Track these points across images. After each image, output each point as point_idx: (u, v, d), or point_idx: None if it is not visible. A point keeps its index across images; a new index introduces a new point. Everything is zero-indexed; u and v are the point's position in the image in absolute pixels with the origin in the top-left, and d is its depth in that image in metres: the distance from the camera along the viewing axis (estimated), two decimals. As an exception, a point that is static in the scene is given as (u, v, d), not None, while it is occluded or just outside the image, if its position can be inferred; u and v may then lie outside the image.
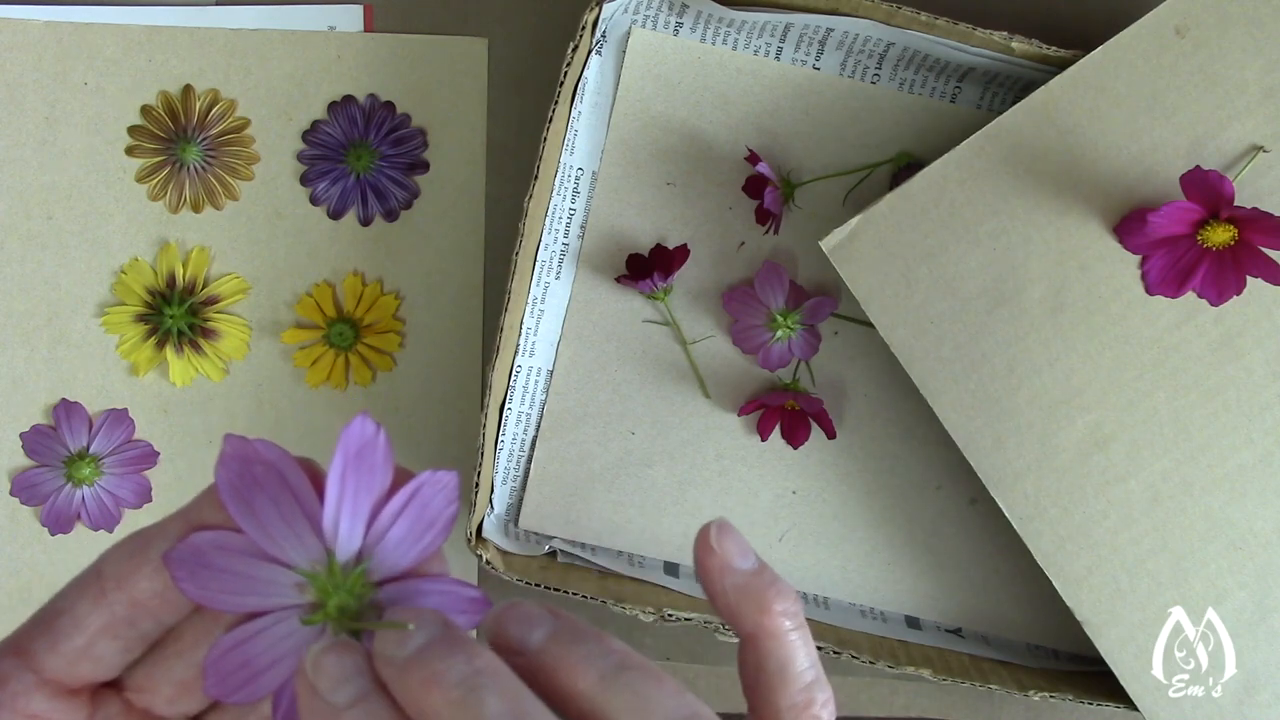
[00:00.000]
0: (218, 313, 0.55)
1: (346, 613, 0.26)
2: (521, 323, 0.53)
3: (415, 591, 0.27)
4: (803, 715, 0.28)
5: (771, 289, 0.52)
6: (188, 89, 0.55)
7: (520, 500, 0.55)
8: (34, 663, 0.26)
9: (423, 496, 0.27)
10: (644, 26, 0.52)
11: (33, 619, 0.26)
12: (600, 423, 0.54)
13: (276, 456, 0.25)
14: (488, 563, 0.49)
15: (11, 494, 0.56)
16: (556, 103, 0.48)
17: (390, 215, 0.55)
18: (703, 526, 0.30)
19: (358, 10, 0.55)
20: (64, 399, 0.55)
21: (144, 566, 0.26)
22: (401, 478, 0.27)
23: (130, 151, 0.55)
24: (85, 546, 0.56)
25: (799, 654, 0.29)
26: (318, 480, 0.26)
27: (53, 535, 0.56)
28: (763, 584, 0.29)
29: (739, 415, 0.54)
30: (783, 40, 0.52)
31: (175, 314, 0.55)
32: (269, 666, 0.26)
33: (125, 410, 0.56)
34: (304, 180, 0.55)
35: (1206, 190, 0.43)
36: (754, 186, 0.52)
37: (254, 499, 0.25)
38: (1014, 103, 0.47)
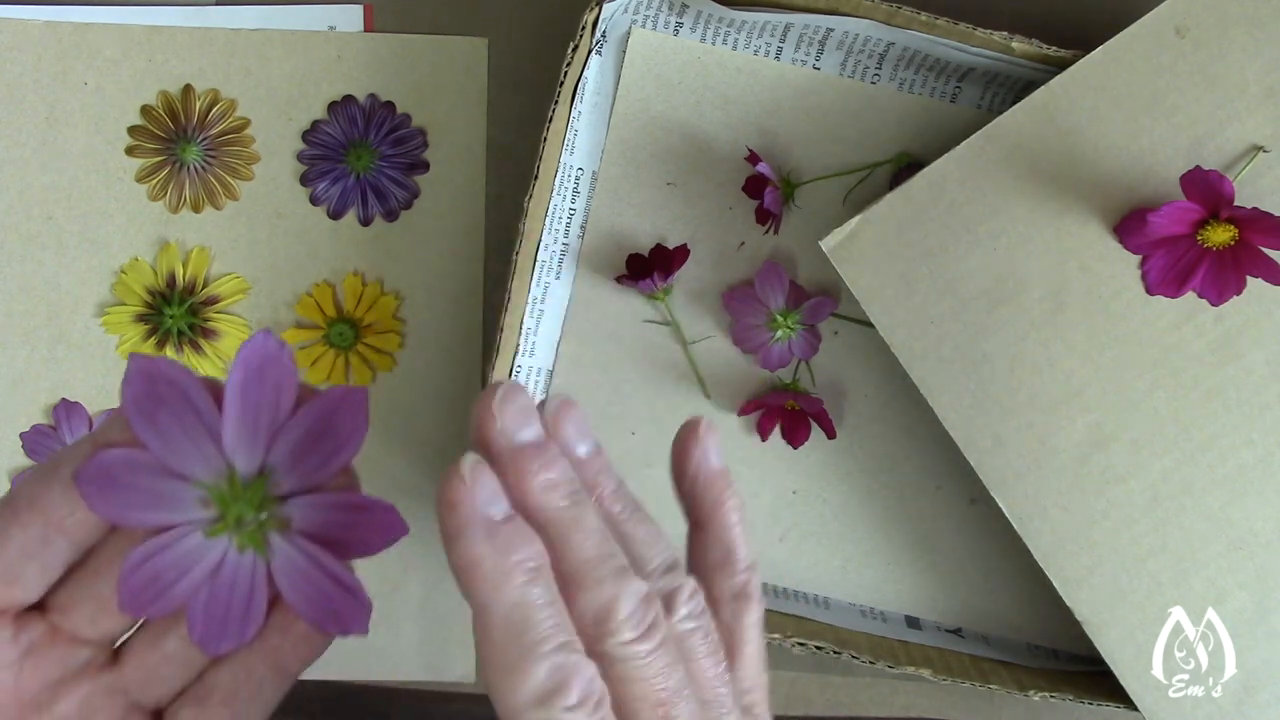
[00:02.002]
0: (218, 313, 0.55)
1: (246, 523, 0.26)
2: (521, 323, 0.53)
3: (321, 505, 0.27)
4: (740, 593, 0.31)
5: (771, 289, 0.52)
6: (188, 89, 0.55)
7: (520, 500, 0.55)
8: None
9: (329, 413, 0.26)
10: (644, 26, 0.52)
11: None
12: (600, 423, 0.54)
13: (180, 374, 0.26)
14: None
15: (11, 494, 0.56)
16: (556, 103, 0.48)
17: (390, 215, 0.55)
18: (694, 419, 0.34)
19: (358, 10, 0.55)
20: (64, 399, 0.55)
21: (55, 486, 0.26)
22: (308, 395, 0.27)
23: (130, 151, 0.55)
24: (85, 546, 0.56)
25: (741, 543, 0.32)
26: (222, 399, 0.26)
27: (53, 535, 0.56)
28: (726, 481, 0.33)
29: (739, 415, 0.54)
30: (783, 40, 0.52)
31: (175, 314, 0.55)
32: (177, 579, 0.26)
33: (125, 410, 0.56)
34: (304, 180, 0.55)
35: (1206, 190, 0.43)
36: (754, 186, 0.52)
37: (158, 415, 0.25)
38: (1014, 103, 0.47)
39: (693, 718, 0.27)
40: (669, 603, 0.28)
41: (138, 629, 0.29)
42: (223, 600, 0.27)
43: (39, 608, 0.28)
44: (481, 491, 0.26)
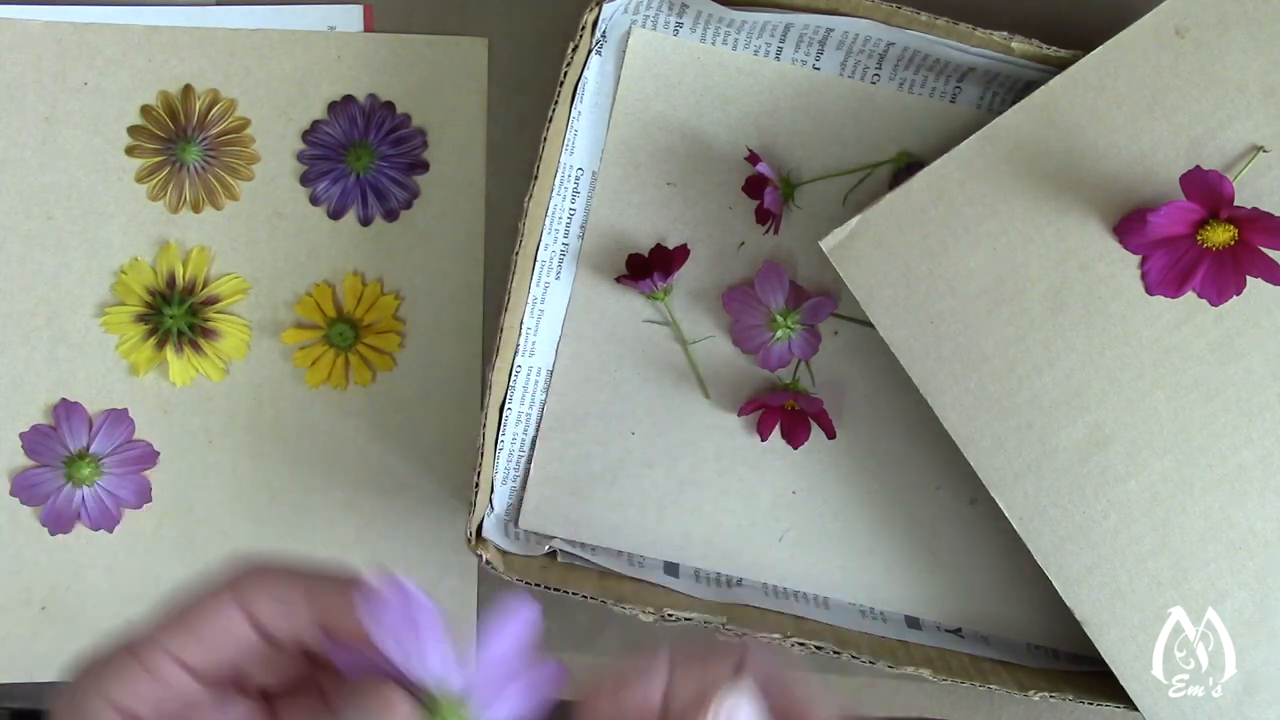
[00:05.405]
0: (218, 313, 0.55)
1: None
2: (521, 323, 0.53)
3: None
4: None
5: (771, 289, 0.52)
6: (188, 89, 0.55)
7: (520, 500, 0.55)
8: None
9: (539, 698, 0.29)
10: (644, 26, 0.52)
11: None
12: (600, 423, 0.54)
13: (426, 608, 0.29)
14: (488, 563, 0.49)
15: (11, 494, 0.56)
16: (556, 103, 0.48)
17: (390, 215, 0.55)
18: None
19: (358, 10, 0.55)
20: (64, 399, 0.55)
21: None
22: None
23: (130, 151, 0.55)
24: (85, 546, 0.56)
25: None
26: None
27: (53, 535, 0.56)
28: None
29: (739, 415, 0.54)
30: (783, 40, 0.52)
31: (175, 314, 0.55)
32: None
33: (125, 410, 0.56)
34: (304, 180, 0.55)
35: (1206, 190, 0.43)
36: (754, 186, 0.52)
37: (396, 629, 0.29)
38: (1014, 103, 0.47)
39: None
40: None
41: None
42: None
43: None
44: None
